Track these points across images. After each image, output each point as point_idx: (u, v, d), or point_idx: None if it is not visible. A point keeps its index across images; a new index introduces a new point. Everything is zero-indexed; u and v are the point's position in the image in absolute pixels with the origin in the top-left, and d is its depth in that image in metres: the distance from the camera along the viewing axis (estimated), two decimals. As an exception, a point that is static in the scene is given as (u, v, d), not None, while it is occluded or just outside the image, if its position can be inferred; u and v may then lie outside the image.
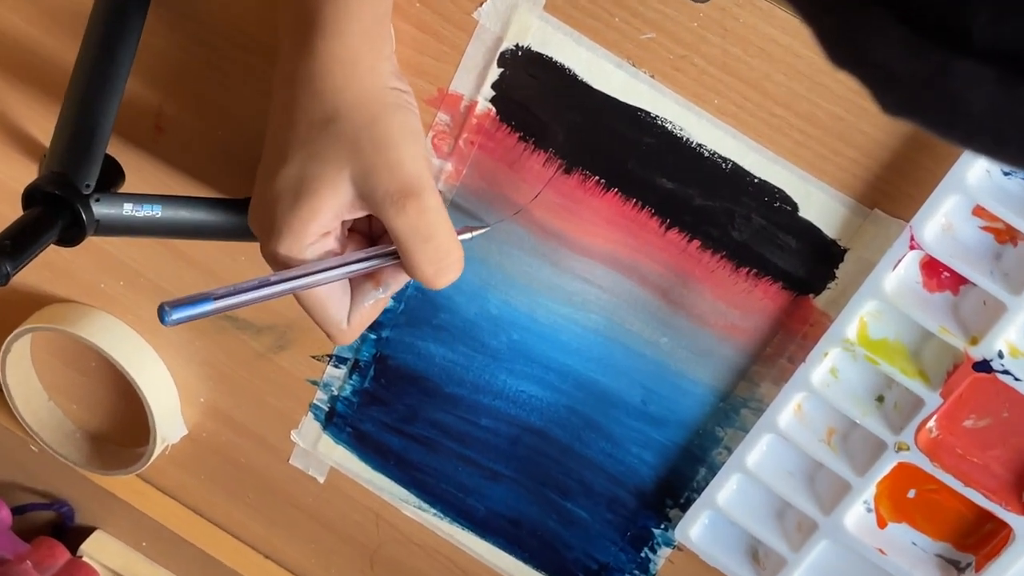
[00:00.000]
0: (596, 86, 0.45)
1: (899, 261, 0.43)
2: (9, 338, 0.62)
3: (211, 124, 0.52)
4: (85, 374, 0.66)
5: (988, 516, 0.47)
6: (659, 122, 0.45)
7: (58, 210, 0.44)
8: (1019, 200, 0.41)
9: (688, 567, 0.55)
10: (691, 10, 0.42)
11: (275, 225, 0.40)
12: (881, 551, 0.49)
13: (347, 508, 0.63)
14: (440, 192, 0.47)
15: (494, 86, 0.46)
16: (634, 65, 0.44)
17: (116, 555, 0.73)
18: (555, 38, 0.44)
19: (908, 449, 0.46)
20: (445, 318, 0.53)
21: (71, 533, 0.74)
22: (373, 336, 0.55)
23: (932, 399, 0.45)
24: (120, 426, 0.68)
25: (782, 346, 0.47)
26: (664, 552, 0.55)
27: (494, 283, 0.51)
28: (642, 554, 0.56)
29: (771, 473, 0.50)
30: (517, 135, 0.47)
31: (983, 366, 0.43)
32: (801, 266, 0.46)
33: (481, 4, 0.45)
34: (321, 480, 0.62)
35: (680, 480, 0.53)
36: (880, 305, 0.44)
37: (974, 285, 0.43)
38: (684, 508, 0.53)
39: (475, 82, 0.46)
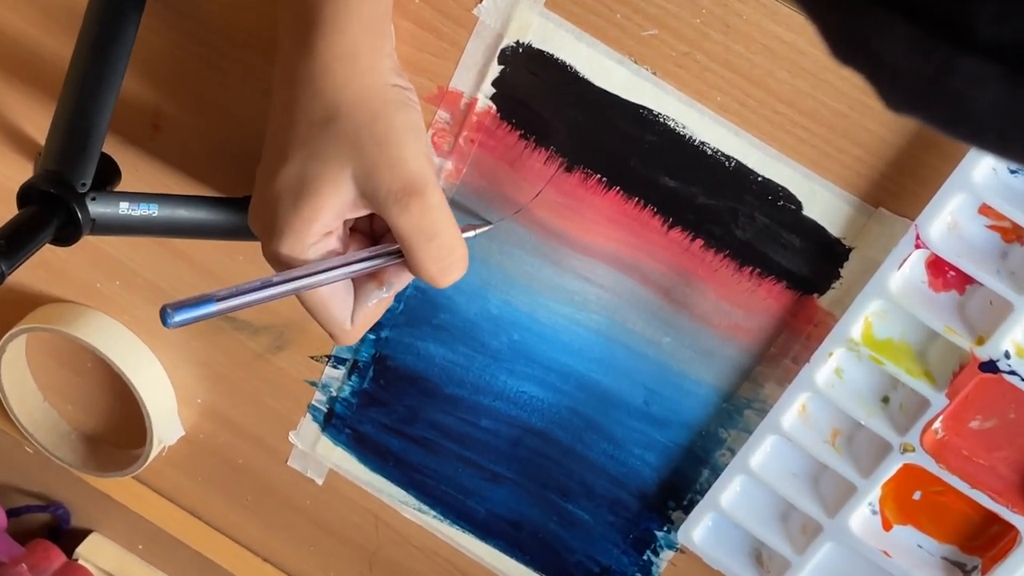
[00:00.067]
0: (597, 83, 0.44)
1: (904, 260, 0.43)
2: (4, 338, 0.62)
3: (208, 122, 0.52)
4: (81, 375, 0.66)
5: (994, 518, 0.46)
6: (661, 120, 0.44)
7: (54, 209, 0.44)
8: (1026, 198, 0.41)
9: (691, 570, 0.55)
10: (693, 6, 0.42)
11: (276, 225, 0.40)
12: (886, 553, 0.48)
13: (346, 510, 0.63)
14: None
15: (494, 83, 0.46)
16: (636, 62, 0.44)
17: (112, 558, 0.72)
18: (556, 35, 0.44)
19: (914, 450, 0.45)
20: (445, 318, 0.53)
21: (67, 536, 0.73)
22: (372, 336, 0.55)
23: (938, 400, 0.44)
24: (116, 427, 0.67)
25: (786, 346, 0.47)
26: (667, 555, 0.55)
27: (495, 283, 0.51)
28: (644, 557, 0.56)
29: (775, 475, 0.49)
30: (518, 133, 0.47)
31: (989, 366, 0.43)
32: (805, 265, 0.45)
33: (481, 1, 0.44)
34: (320, 482, 0.62)
35: (683, 482, 0.52)
36: (885, 305, 0.44)
37: (980, 284, 0.42)
38: (687, 510, 0.52)
39: (475, 79, 0.46)
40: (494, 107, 0.46)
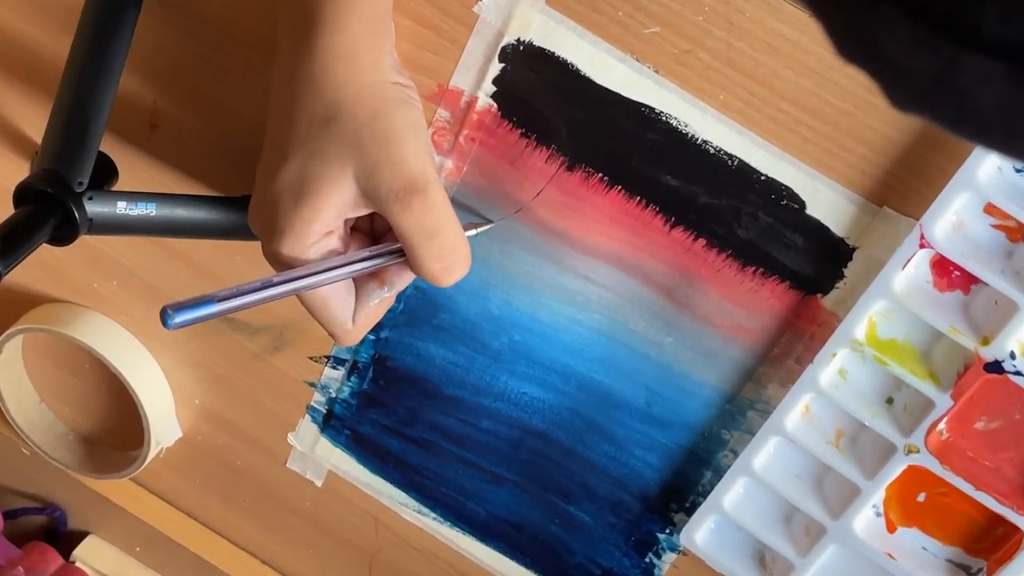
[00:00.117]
0: (599, 81, 0.44)
1: (909, 260, 0.43)
2: (0, 339, 0.61)
3: (207, 120, 0.52)
4: (78, 376, 0.66)
5: (1000, 520, 0.46)
6: (663, 118, 0.44)
7: (50, 208, 0.44)
8: (1032, 197, 0.40)
9: (693, 572, 0.55)
10: (696, 4, 0.41)
11: (277, 225, 0.40)
12: (891, 556, 0.48)
13: (345, 512, 0.62)
14: (440, 189, 0.46)
15: (495, 82, 0.45)
16: (638, 60, 0.43)
17: (109, 560, 0.72)
18: (557, 32, 0.44)
19: (918, 452, 0.45)
20: (445, 318, 0.52)
21: (64, 538, 0.73)
22: (372, 337, 0.54)
23: (942, 401, 0.44)
24: (113, 429, 0.67)
25: (789, 347, 0.47)
26: (669, 557, 0.55)
27: (495, 283, 0.50)
28: (646, 559, 0.55)
29: (778, 476, 0.49)
30: (519, 131, 0.46)
31: (994, 367, 0.43)
32: (809, 265, 0.45)
33: (482, -2, 0.44)
34: (319, 483, 0.62)
35: (685, 484, 0.52)
36: (889, 305, 0.44)
37: (985, 284, 0.42)
38: (689, 512, 0.52)
39: (476, 78, 0.46)
40: (495, 105, 0.46)
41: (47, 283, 0.62)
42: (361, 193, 0.39)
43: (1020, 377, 0.42)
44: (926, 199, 0.42)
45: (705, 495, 0.51)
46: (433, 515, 0.59)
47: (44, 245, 0.44)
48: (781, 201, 0.44)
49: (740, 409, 0.49)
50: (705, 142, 0.44)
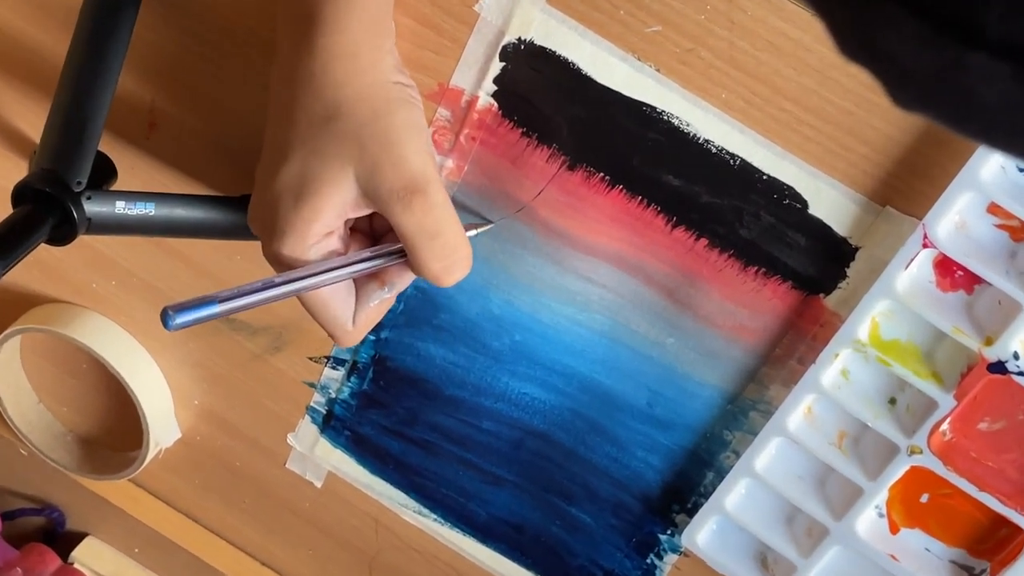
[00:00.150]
0: (600, 80, 0.44)
1: (912, 260, 0.42)
2: (-1, 340, 0.61)
3: (206, 120, 0.52)
4: (76, 376, 0.66)
5: (1003, 521, 0.46)
6: (665, 117, 0.44)
7: (48, 208, 0.44)
8: (1036, 197, 0.40)
9: (695, 574, 0.54)
10: (697, 3, 0.41)
11: (277, 225, 0.40)
12: (893, 557, 0.48)
13: (345, 513, 0.62)
14: (441, 189, 0.46)
15: (496, 81, 0.45)
16: (639, 59, 0.43)
17: (108, 562, 0.72)
18: (558, 31, 0.43)
19: (921, 452, 0.45)
20: (446, 318, 0.52)
21: (62, 539, 0.73)
22: (372, 337, 0.54)
23: (946, 401, 0.44)
24: (112, 429, 0.67)
25: (792, 347, 0.47)
26: (671, 558, 0.55)
27: (496, 282, 0.50)
28: (648, 560, 0.55)
29: (780, 477, 0.49)
30: (519, 131, 0.46)
31: (998, 367, 0.42)
32: (811, 265, 0.45)
33: (483, -4, 0.44)
34: (318, 484, 0.62)
35: (687, 485, 0.52)
36: (892, 305, 0.44)
37: (989, 284, 0.42)
38: (691, 513, 0.52)
39: (476, 77, 0.45)
40: (495, 104, 0.46)
41: (45, 283, 0.61)
42: (362, 193, 0.39)
43: (1023, 377, 0.42)
44: (929, 199, 0.41)
45: (707, 496, 0.51)
46: (434, 516, 0.59)
47: (43, 245, 0.44)
48: (783, 201, 0.44)
49: (742, 410, 0.49)
50: (707, 141, 0.44)
